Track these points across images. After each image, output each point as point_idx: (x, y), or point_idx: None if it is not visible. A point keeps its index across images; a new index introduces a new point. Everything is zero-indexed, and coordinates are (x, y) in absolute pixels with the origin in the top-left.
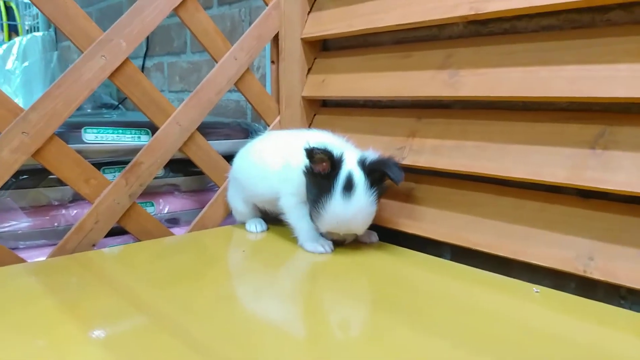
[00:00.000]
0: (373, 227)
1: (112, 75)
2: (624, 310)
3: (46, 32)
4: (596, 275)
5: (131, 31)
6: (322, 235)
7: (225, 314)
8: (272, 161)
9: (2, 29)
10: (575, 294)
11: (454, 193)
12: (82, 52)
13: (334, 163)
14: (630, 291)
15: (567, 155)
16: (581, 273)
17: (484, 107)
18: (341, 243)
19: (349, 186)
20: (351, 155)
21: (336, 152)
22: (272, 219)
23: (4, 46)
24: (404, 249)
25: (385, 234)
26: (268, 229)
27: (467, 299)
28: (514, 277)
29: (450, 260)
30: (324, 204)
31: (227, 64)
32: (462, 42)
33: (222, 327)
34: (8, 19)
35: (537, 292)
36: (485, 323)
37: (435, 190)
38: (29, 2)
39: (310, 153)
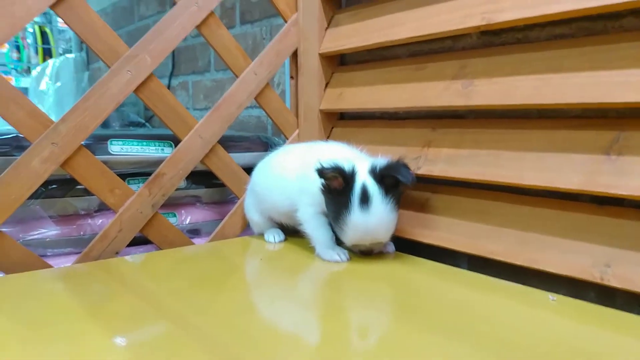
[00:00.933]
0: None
1: (137, 89)
2: None
3: (78, 54)
4: (613, 282)
5: (155, 47)
6: (345, 246)
7: (245, 321)
8: (289, 173)
9: (37, 53)
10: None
11: (470, 202)
12: (109, 68)
13: (346, 178)
14: None
15: (581, 162)
16: (598, 280)
17: (498, 117)
18: (369, 253)
19: (364, 198)
20: (363, 165)
21: (347, 166)
22: (290, 231)
23: (38, 68)
24: (420, 258)
25: (402, 245)
26: (286, 239)
27: (483, 307)
28: (532, 287)
29: (468, 270)
30: (345, 220)
31: (248, 79)
32: (476, 53)
33: (242, 333)
34: (43, 43)
35: (553, 299)
36: (500, 331)
37: (450, 200)
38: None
39: (321, 173)
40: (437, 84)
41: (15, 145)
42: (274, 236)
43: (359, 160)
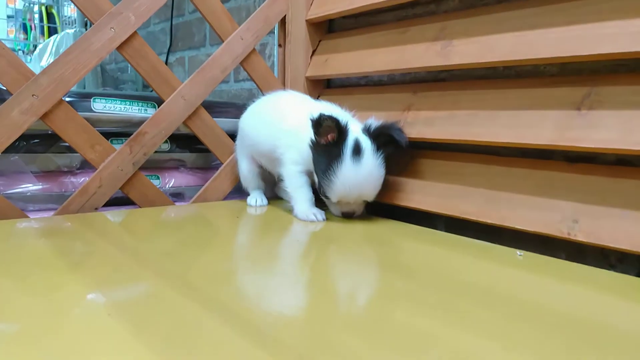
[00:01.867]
0: None
1: (120, 47)
2: (609, 272)
3: (78, 29)
4: (580, 237)
5: (140, 5)
6: (325, 209)
7: (225, 272)
8: (278, 117)
9: (44, 33)
10: None
11: (445, 165)
12: (92, 24)
13: (341, 130)
14: (620, 259)
15: (553, 118)
16: (565, 236)
17: (477, 78)
18: (351, 215)
19: (357, 151)
20: (355, 124)
21: (342, 120)
22: (274, 196)
23: (40, 45)
24: (397, 221)
25: (381, 209)
26: (268, 204)
27: (452, 264)
28: (505, 246)
29: (445, 232)
30: (335, 171)
31: (233, 43)
32: (456, 15)
33: (224, 285)
34: (49, 23)
35: (520, 255)
36: (465, 285)
37: (427, 163)
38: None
39: (318, 121)
40: (417, 46)
41: None
42: (255, 199)
43: (352, 119)
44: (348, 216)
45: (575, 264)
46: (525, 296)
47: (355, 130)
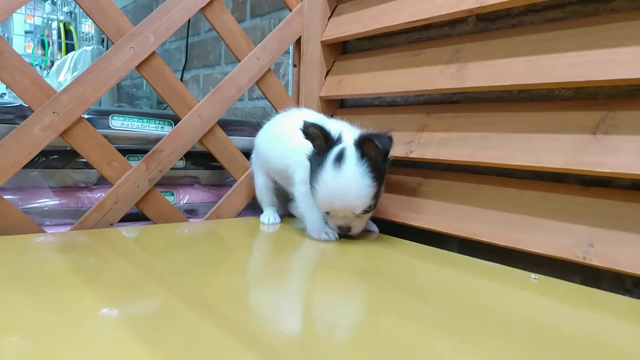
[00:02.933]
0: (378, 221)
1: (139, 66)
2: (624, 297)
3: (96, 47)
4: (596, 261)
5: (159, 26)
6: (328, 225)
7: (239, 291)
8: (288, 136)
9: (61, 49)
10: None
11: (459, 185)
12: (113, 44)
13: (327, 138)
14: (636, 284)
15: (568, 142)
16: (580, 260)
17: (491, 101)
18: (347, 231)
19: (339, 158)
20: (351, 135)
21: (334, 132)
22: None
23: (58, 61)
24: (409, 241)
25: (393, 229)
26: (281, 222)
27: (466, 287)
28: (519, 269)
29: (458, 253)
30: (318, 178)
31: (249, 63)
32: (470, 38)
33: (236, 302)
34: (67, 39)
35: (535, 279)
36: (479, 308)
37: (440, 184)
38: (89, 30)
39: (305, 129)
40: (432, 69)
41: (19, 114)
42: (268, 217)
43: (352, 133)
44: (345, 232)
45: (590, 288)
46: (540, 320)
47: (348, 141)
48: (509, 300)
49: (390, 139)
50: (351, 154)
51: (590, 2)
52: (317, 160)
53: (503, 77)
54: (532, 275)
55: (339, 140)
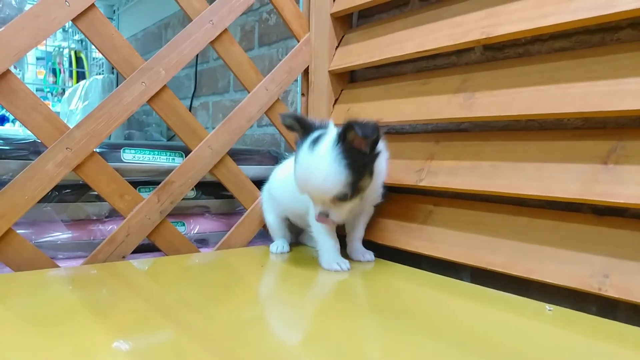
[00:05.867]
0: (390, 250)
1: (151, 100)
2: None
3: (106, 76)
4: (611, 292)
5: (170, 61)
6: (340, 256)
7: (248, 327)
8: None
9: (72, 76)
10: None
11: (470, 214)
12: (125, 79)
13: (304, 125)
14: None
15: (579, 171)
16: (596, 291)
17: (499, 129)
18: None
19: (315, 141)
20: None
21: (314, 119)
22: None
23: (70, 89)
24: (422, 271)
25: (405, 258)
26: (290, 251)
27: (480, 318)
28: (533, 299)
29: (471, 282)
30: (295, 160)
31: (259, 94)
32: (477, 67)
33: (245, 339)
34: (77, 67)
35: (550, 310)
36: (495, 341)
37: (452, 212)
38: (98, 56)
39: (284, 123)
40: (439, 98)
41: (32, 150)
42: (277, 247)
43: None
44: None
45: (606, 320)
46: (556, 353)
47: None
48: (524, 333)
49: (374, 127)
50: (328, 138)
51: (596, 32)
52: (297, 144)
53: (511, 107)
54: (547, 306)
55: (323, 127)
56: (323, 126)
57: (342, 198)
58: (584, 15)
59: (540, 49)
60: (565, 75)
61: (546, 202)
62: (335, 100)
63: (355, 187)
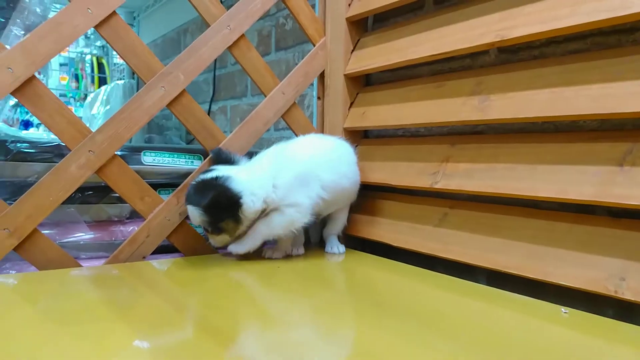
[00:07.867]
0: (406, 252)
1: (170, 104)
2: None
3: (127, 81)
4: (628, 295)
5: (188, 66)
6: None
7: (267, 327)
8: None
9: (94, 82)
10: None
11: (485, 217)
12: (145, 83)
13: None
14: None
15: (594, 174)
16: (612, 294)
17: (515, 132)
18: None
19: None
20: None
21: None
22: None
23: (92, 95)
24: (437, 273)
25: (420, 260)
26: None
27: (495, 320)
28: (549, 302)
29: (486, 285)
30: None
31: (275, 98)
32: (492, 70)
33: (265, 339)
34: (99, 73)
35: (565, 313)
36: (509, 343)
37: (467, 215)
38: (119, 61)
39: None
40: (454, 101)
41: (56, 153)
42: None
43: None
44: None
45: (623, 323)
46: (572, 356)
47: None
48: (539, 335)
49: (208, 193)
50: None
51: (612, 33)
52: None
53: (526, 109)
54: (563, 309)
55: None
56: (235, 161)
57: (206, 227)
58: (599, 17)
59: (555, 51)
60: (580, 77)
61: (561, 204)
62: (351, 104)
63: (219, 225)
